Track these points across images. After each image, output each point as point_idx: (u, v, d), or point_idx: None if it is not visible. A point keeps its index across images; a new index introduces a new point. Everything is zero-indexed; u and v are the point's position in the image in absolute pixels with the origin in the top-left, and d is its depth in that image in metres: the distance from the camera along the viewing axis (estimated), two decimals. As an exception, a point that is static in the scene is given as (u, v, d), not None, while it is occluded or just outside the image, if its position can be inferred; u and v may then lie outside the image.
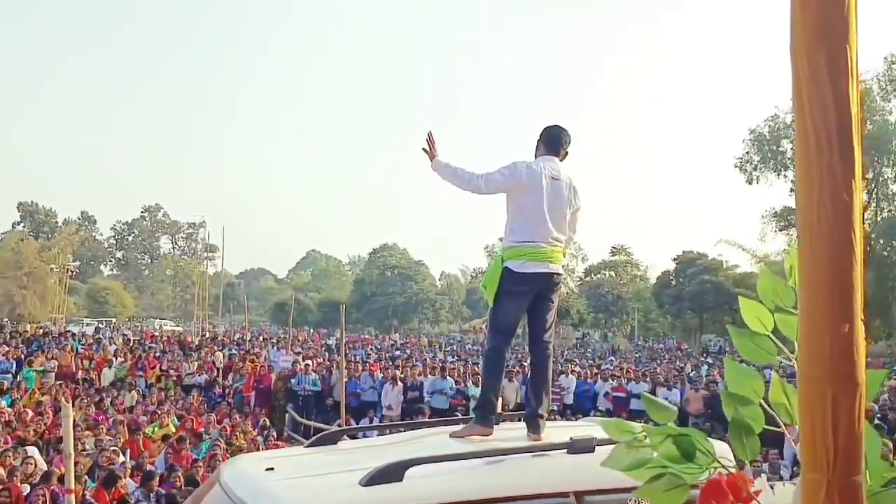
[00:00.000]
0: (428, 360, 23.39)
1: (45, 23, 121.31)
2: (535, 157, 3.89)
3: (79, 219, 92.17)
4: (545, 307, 3.74)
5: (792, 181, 42.43)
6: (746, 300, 1.31)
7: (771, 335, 1.30)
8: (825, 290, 0.99)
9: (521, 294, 3.66)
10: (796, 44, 1.00)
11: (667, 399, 10.32)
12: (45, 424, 11.73)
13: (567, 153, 3.95)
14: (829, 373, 0.98)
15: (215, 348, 23.35)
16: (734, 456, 1.71)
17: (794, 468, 10.33)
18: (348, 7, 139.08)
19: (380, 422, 14.15)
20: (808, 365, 1.01)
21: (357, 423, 12.99)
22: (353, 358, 21.38)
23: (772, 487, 1.21)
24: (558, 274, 3.79)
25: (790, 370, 1.27)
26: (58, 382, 17.52)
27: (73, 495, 5.53)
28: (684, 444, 1.20)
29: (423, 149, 3.89)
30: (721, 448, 1.69)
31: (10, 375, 18.22)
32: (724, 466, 1.19)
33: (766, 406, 1.27)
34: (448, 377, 16.33)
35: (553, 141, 3.91)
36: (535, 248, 3.66)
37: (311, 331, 52.26)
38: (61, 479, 7.11)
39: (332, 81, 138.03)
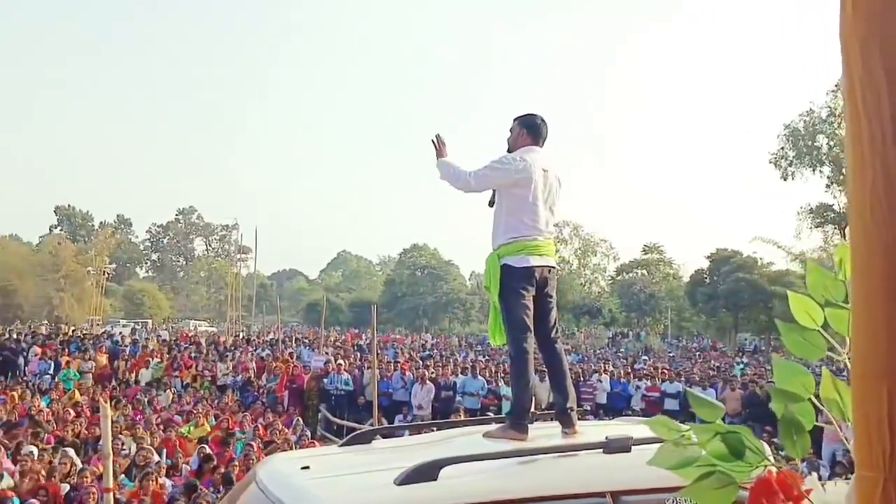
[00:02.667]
0: (458, 359, 23.40)
1: (82, 28, 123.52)
2: (517, 147, 3.82)
3: (115, 222, 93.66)
4: (546, 304, 3.72)
5: (828, 177, 41.77)
6: (795, 294, 1.28)
7: (821, 330, 1.26)
8: (879, 283, 0.96)
9: (525, 288, 3.62)
10: (848, 30, 0.97)
11: (702, 398, 10.18)
12: (82, 425, 11.92)
13: (545, 141, 3.89)
14: (885, 368, 0.95)
15: (249, 349, 23.59)
16: (776, 454, 1.68)
17: (833, 468, 10.15)
18: (380, 5, 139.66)
19: (411, 421, 14.16)
20: (861, 360, 0.98)
21: (388, 423, 13.01)
22: (383, 358, 21.46)
23: (822, 486, 1.17)
24: (554, 268, 3.77)
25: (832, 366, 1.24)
26: (96, 383, 17.85)
27: (111, 494, 5.60)
28: (733, 441, 1.17)
29: (433, 142, 3.88)
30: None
31: (48, 377, 18.60)
32: (774, 464, 1.16)
33: (814, 402, 1.24)
34: (479, 377, 16.32)
35: (535, 130, 3.85)
36: (533, 242, 3.64)
37: (347, 330, 52.51)
38: (99, 478, 7.22)
39: (363, 81, 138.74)
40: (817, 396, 1.25)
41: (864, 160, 0.98)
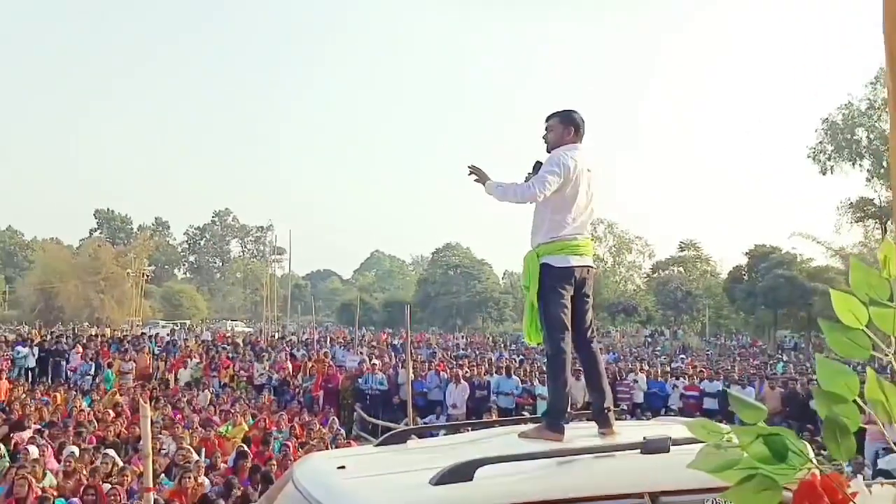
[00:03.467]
0: (492, 359, 23.36)
1: (119, 34, 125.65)
2: (560, 144, 3.74)
3: (153, 224, 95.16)
4: (583, 303, 3.69)
5: (868, 170, 40.94)
6: (838, 292, 1.24)
7: (865, 329, 1.23)
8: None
9: (564, 288, 3.59)
10: (891, 16, 0.94)
11: (741, 397, 10.04)
12: (122, 425, 12.12)
13: (584, 135, 3.84)
14: (934, 368, 0.92)
15: (285, 349, 23.79)
16: (818, 454, 1.64)
17: (877, 468, 9.94)
18: (413, 11, 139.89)
19: (445, 421, 14.17)
20: (909, 360, 0.94)
21: (423, 422, 13.02)
22: (417, 357, 21.51)
23: (869, 488, 1.14)
24: (592, 267, 3.76)
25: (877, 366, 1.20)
26: (137, 383, 18.13)
27: (151, 493, 5.67)
28: (776, 443, 1.14)
29: (471, 172, 3.86)
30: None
31: (90, 377, 18.94)
32: (818, 467, 1.13)
33: (859, 403, 1.21)
34: (513, 376, 16.27)
35: (579, 127, 3.80)
36: (573, 242, 3.62)
37: (381, 330, 52.72)
38: (139, 478, 7.33)
39: (395, 83, 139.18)
40: (862, 397, 1.21)
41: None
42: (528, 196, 3.62)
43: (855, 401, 1.19)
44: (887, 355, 1.17)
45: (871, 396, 1.19)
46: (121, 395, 15.93)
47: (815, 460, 1.21)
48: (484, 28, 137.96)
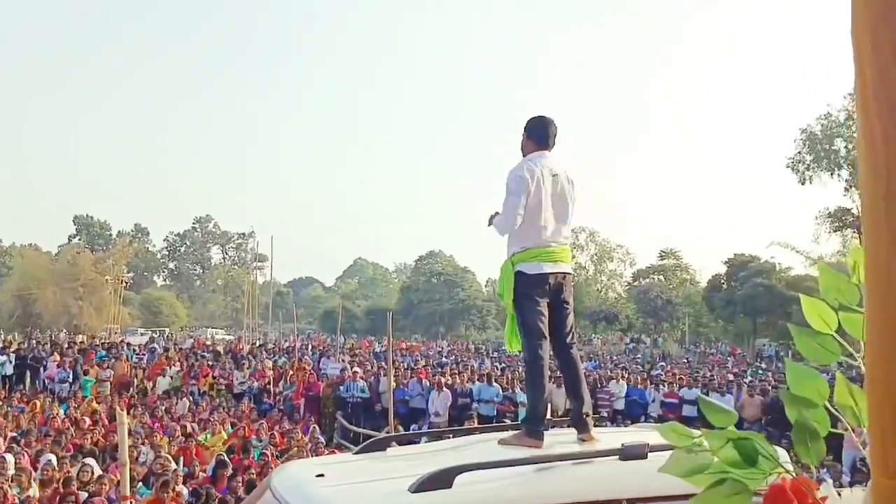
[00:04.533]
0: (474, 366, 23.35)
1: (98, 38, 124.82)
2: (525, 154, 3.79)
3: (132, 231, 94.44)
4: (563, 310, 3.71)
5: (846, 181, 41.43)
6: (808, 298, 1.26)
7: (835, 334, 1.24)
8: (893, 285, 0.94)
9: (539, 295, 3.61)
10: (859, 27, 0.96)
11: (720, 405, 10.11)
12: (100, 433, 12.00)
13: (555, 142, 3.85)
14: (900, 372, 0.93)
15: (266, 357, 23.64)
16: (796, 462, 1.65)
17: (854, 474, 10.03)
18: (397, 19, 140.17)
19: (427, 429, 14.14)
20: (876, 364, 0.96)
21: (405, 430, 13.00)
22: (400, 365, 21.45)
23: (838, 493, 1.15)
24: (569, 274, 3.75)
25: (848, 371, 1.22)
26: (114, 391, 17.97)
27: (128, 502, 5.62)
28: (746, 448, 1.15)
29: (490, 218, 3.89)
30: (780, 454, 1.63)
31: (67, 385, 18.75)
32: (787, 471, 1.14)
33: (829, 408, 1.22)
34: (495, 384, 16.28)
35: (541, 134, 3.81)
36: (546, 249, 3.63)
37: (368, 338, 52.62)
38: (117, 486, 7.25)
39: (378, 91, 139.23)
40: (832, 402, 1.23)
41: (876, 162, 0.96)
42: (507, 228, 3.69)
43: (825, 406, 1.21)
44: (857, 360, 1.19)
45: (841, 401, 1.21)
46: (98, 402, 15.78)
47: (787, 465, 1.22)
48: (484, 29, 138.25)
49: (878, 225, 0.95)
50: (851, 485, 8.18)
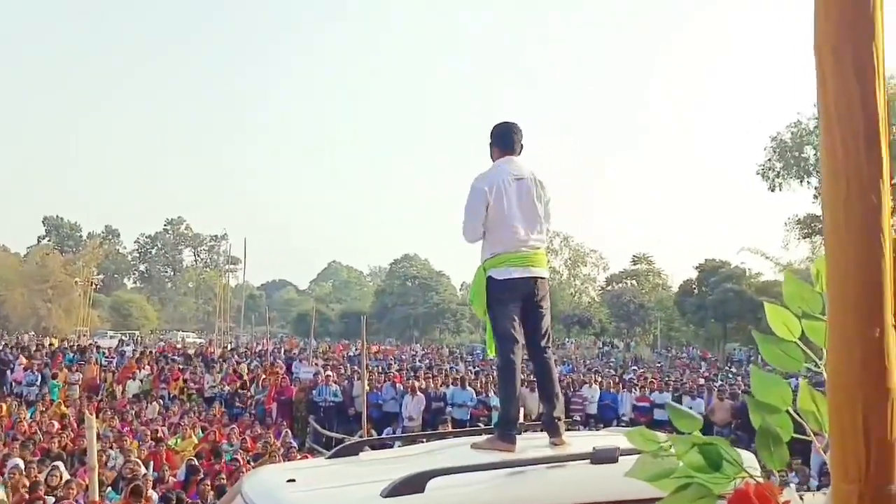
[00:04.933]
0: (447, 371, 23.36)
1: (68, 38, 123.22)
2: (493, 161, 3.83)
3: (103, 232, 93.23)
4: (537, 315, 3.70)
5: (815, 188, 42.05)
6: (772, 306, 1.29)
7: (798, 342, 1.27)
8: (854, 293, 0.97)
9: (510, 300, 3.62)
10: (821, 40, 0.98)
11: (691, 409, 10.21)
12: (68, 437, 11.84)
13: (522, 146, 3.88)
14: (860, 379, 0.95)
15: (238, 360, 23.47)
16: (761, 466, 1.68)
17: (822, 478, 10.18)
18: (374, 17, 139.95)
19: (401, 433, 14.12)
20: (837, 371, 0.98)
21: (379, 435, 12.96)
22: (373, 369, 21.41)
23: (801, 498, 1.18)
24: (543, 278, 3.75)
25: (815, 378, 1.25)
26: (83, 395, 17.72)
27: (96, 507, 5.56)
28: (710, 453, 1.17)
29: None
30: (747, 458, 1.65)
31: (35, 388, 18.46)
32: (751, 476, 1.16)
33: (793, 414, 1.24)
34: (468, 388, 16.30)
35: (505, 140, 3.84)
36: (516, 255, 3.64)
37: (338, 341, 52.41)
38: (86, 491, 7.16)
39: (353, 92, 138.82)
40: (796, 408, 1.25)
41: (838, 169, 0.98)
42: (469, 240, 3.77)
43: (788, 411, 1.23)
44: (819, 367, 1.21)
45: (804, 407, 1.23)
46: (67, 406, 15.56)
47: (754, 470, 1.24)
48: (459, 28, 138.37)
49: (839, 230, 0.98)
50: (819, 488, 8.30)
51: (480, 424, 13.36)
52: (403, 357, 37.44)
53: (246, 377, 19.56)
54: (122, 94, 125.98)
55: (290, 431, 14.10)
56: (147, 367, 20.80)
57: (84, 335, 44.77)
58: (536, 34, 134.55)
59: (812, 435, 1.24)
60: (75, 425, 12.67)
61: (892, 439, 0.96)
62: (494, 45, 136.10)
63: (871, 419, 0.95)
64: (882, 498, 0.94)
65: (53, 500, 8.12)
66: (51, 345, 26.84)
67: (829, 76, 0.98)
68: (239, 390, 18.53)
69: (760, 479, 1.16)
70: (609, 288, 63.01)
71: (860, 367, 0.95)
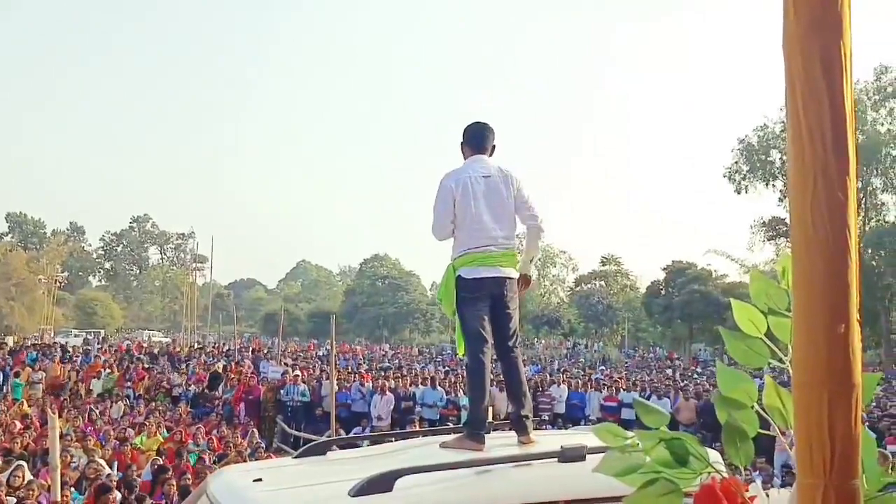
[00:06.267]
0: (417, 370, 23.35)
1: (34, 33, 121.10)
2: (464, 160, 3.85)
3: (67, 229, 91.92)
4: (505, 315, 3.70)
5: (781, 191, 42.72)
6: (739, 302, 1.29)
7: (764, 338, 1.28)
8: (820, 290, 0.97)
9: (478, 299, 3.63)
10: (789, 38, 0.99)
11: (658, 408, 10.32)
12: (31, 436, 11.63)
13: (494, 146, 3.89)
14: (825, 375, 0.96)
15: (204, 359, 23.23)
16: (727, 463, 1.69)
17: (785, 477, 10.33)
18: (338, 16, 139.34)
19: (370, 433, 14.07)
20: (803, 367, 0.99)
21: (347, 434, 12.90)
22: (342, 368, 21.33)
23: (766, 494, 1.18)
24: (511, 278, 3.74)
25: (780, 379, 1.26)
26: (46, 394, 17.43)
27: (58, 508, 5.46)
28: (677, 448, 1.17)
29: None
30: (713, 455, 1.67)
31: (-4, 387, 18.13)
32: (718, 472, 1.17)
33: (759, 410, 1.25)
34: (438, 388, 16.30)
35: (476, 139, 3.86)
36: (485, 254, 3.64)
37: (311, 342, 52.11)
38: (48, 491, 7.04)
39: (322, 90, 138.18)
40: (762, 404, 1.26)
41: (805, 169, 0.99)
42: (438, 237, 3.79)
43: (754, 408, 1.24)
44: (785, 363, 1.22)
45: (769, 403, 1.24)
46: (30, 405, 15.28)
47: (719, 466, 1.25)
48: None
49: (805, 226, 0.98)
50: (782, 486, 8.42)
51: (450, 424, 13.37)
52: (373, 357, 37.36)
53: (218, 371, 19.33)
54: (87, 88, 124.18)
55: (257, 431, 13.98)
56: (110, 366, 20.53)
57: (48, 334, 44.05)
58: (504, 36, 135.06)
59: (777, 431, 1.25)
60: (38, 425, 12.45)
61: (856, 434, 0.96)
62: (465, 46, 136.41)
63: (835, 414, 0.95)
64: (846, 493, 0.95)
65: (15, 500, 7.97)
66: (16, 343, 26.38)
67: (797, 73, 0.98)
68: (205, 390, 18.33)
69: (726, 475, 1.17)
70: (578, 289, 63.41)
71: (825, 363, 0.96)
